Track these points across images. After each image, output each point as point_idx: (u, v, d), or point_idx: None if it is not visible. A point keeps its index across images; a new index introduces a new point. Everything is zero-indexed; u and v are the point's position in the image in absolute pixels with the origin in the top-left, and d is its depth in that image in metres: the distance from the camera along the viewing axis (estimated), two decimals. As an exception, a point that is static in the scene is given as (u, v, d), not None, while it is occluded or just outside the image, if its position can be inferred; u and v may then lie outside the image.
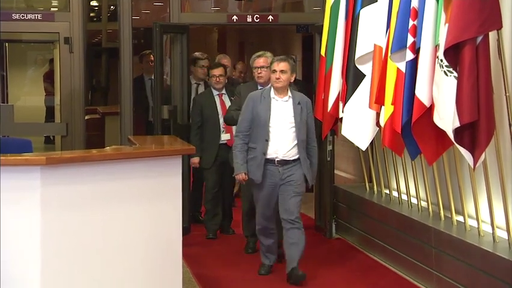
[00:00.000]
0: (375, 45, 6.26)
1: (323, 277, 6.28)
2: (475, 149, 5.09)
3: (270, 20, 8.41)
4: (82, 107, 8.25)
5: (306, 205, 7.67)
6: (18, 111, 8.21)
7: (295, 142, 5.98)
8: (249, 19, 8.40)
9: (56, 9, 9.11)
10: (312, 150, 6.13)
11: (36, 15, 8.19)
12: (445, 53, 5.07)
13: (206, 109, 7.55)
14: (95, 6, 13.18)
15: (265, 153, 5.97)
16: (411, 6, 5.58)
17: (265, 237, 6.23)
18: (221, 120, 7.49)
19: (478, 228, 5.57)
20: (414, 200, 6.71)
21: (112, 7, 12.60)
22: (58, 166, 4.40)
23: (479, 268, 5.25)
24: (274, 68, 6.03)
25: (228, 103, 7.54)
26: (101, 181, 4.60)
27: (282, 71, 5.99)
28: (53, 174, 4.36)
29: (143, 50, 9.36)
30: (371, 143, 7.01)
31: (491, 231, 5.43)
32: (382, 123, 6.00)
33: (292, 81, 6.13)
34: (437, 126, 5.31)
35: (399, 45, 5.67)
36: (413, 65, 5.54)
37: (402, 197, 6.96)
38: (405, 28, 5.62)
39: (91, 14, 13.26)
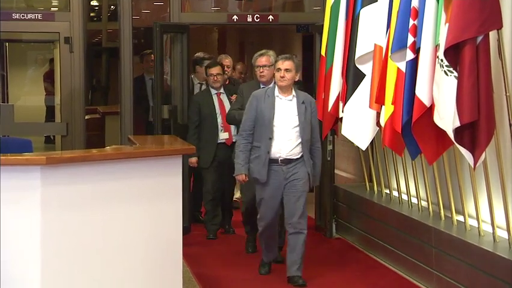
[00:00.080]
0: (375, 45, 6.26)
1: (322, 277, 6.28)
2: (475, 149, 5.09)
3: (270, 20, 8.41)
4: (82, 106, 8.25)
5: (307, 205, 7.64)
6: (18, 111, 8.21)
7: (299, 141, 5.93)
8: (249, 19, 8.39)
9: (56, 9, 9.11)
10: (315, 151, 6.07)
11: (36, 15, 8.19)
12: (445, 53, 5.07)
13: (204, 108, 7.52)
14: (96, 6, 13.18)
15: (269, 152, 5.90)
16: (412, 6, 5.58)
17: (267, 238, 6.17)
18: (219, 119, 7.48)
19: (478, 228, 5.57)
20: (414, 200, 6.71)
21: (112, 7, 12.59)
22: (58, 166, 4.40)
23: (480, 268, 5.25)
24: (278, 67, 5.97)
25: (226, 102, 7.53)
26: (101, 181, 4.60)
27: (286, 70, 5.93)
28: (53, 174, 4.36)
29: (144, 50, 9.36)
30: (371, 143, 7.02)
31: (491, 231, 5.43)
32: (382, 123, 6.00)
33: (296, 80, 6.08)
34: (437, 126, 5.31)
35: (399, 45, 5.67)
36: (413, 65, 5.54)
37: (403, 197, 6.96)
38: (405, 28, 5.62)
39: (91, 14, 13.25)
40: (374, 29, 6.29)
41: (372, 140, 6.81)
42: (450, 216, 5.98)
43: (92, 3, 12.65)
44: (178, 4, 8.07)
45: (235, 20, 8.41)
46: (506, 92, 5.15)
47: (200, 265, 6.62)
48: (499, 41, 5.15)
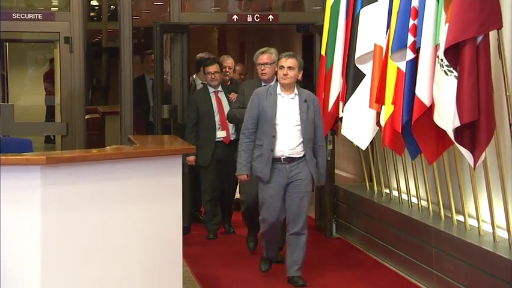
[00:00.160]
0: (375, 44, 6.27)
1: (323, 277, 6.28)
2: (475, 149, 5.09)
3: (270, 20, 8.41)
4: (82, 106, 8.25)
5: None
6: (18, 110, 8.21)
7: (301, 140, 5.86)
8: (249, 19, 8.39)
9: (57, 8, 9.11)
10: (319, 149, 5.98)
11: (36, 14, 8.19)
12: (445, 53, 5.07)
13: (202, 106, 7.49)
14: (96, 5, 13.18)
15: (272, 150, 5.83)
16: (412, 6, 5.58)
17: (268, 239, 6.11)
18: (217, 118, 7.46)
19: (478, 227, 5.57)
20: (414, 200, 6.71)
21: (112, 6, 12.60)
22: (58, 166, 4.40)
23: (480, 268, 5.24)
24: (281, 64, 5.90)
25: (224, 100, 7.51)
26: (101, 181, 4.60)
27: (289, 68, 5.86)
28: (53, 173, 4.36)
29: (144, 50, 9.36)
30: (371, 143, 7.02)
31: (491, 231, 5.43)
32: (382, 122, 6.00)
33: (299, 78, 6.01)
34: (437, 125, 5.31)
35: (399, 44, 5.67)
36: (413, 65, 5.54)
37: (403, 197, 6.96)
38: (405, 28, 5.63)
39: (91, 14, 13.25)
40: (374, 28, 6.29)
41: (372, 140, 6.81)
42: (450, 216, 5.98)
43: (92, 3, 12.65)
44: (178, 4, 8.07)
45: (235, 20, 8.41)
46: (506, 92, 5.14)
47: (200, 265, 6.62)
48: (499, 41, 5.15)
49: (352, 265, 6.70)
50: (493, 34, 5.10)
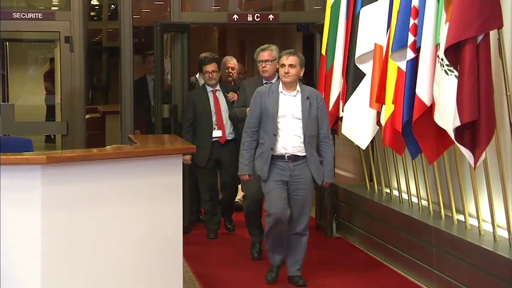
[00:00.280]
0: (375, 44, 6.27)
1: (323, 276, 6.28)
2: (475, 148, 5.09)
3: (271, 19, 8.41)
4: (83, 106, 8.25)
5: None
6: (18, 110, 8.21)
7: (302, 138, 5.80)
8: (250, 18, 8.39)
9: (57, 8, 9.11)
10: (325, 145, 5.88)
11: (36, 14, 8.18)
12: (446, 52, 5.07)
13: (199, 105, 7.46)
14: (96, 5, 13.18)
15: (273, 149, 5.78)
16: (412, 5, 5.58)
17: (274, 237, 5.95)
18: (214, 117, 7.44)
19: (479, 227, 5.57)
20: (414, 199, 6.71)
21: (112, 6, 12.60)
22: (59, 165, 4.40)
23: (480, 267, 5.25)
24: (283, 62, 5.83)
25: (222, 99, 7.48)
26: (101, 180, 4.60)
27: (290, 65, 5.79)
28: (53, 173, 4.36)
29: (144, 49, 9.35)
30: (372, 142, 7.02)
31: (491, 230, 5.43)
32: (383, 122, 6.00)
33: (301, 75, 5.93)
34: (437, 125, 5.31)
35: (399, 44, 5.67)
36: (413, 64, 5.55)
37: (403, 196, 6.96)
38: (405, 27, 5.63)
39: (92, 13, 13.25)
40: (374, 28, 6.30)
41: (373, 140, 6.81)
42: (450, 215, 5.98)
43: (92, 2, 12.65)
44: (179, 3, 8.07)
45: (235, 20, 8.41)
46: (506, 91, 5.14)
47: (200, 264, 6.62)
48: (500, 40, 5.15)
49: (352, 265, 6.70)
50: (493, 33, 5.10)
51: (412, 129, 5.54)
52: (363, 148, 6.87)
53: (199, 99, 7.49)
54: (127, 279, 4.74)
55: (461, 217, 5.87)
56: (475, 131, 5.06)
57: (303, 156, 5.82)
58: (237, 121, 6.94)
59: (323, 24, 7.27)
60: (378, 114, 6.27)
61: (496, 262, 5.09)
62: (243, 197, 6.88)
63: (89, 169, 4.54)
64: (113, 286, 4.68)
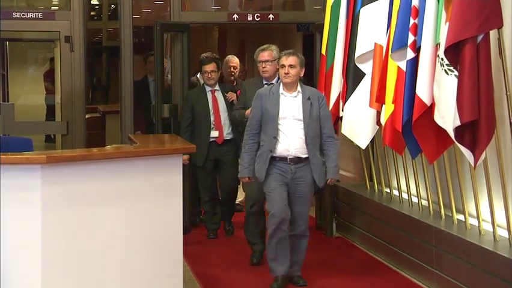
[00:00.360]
0: (375, 44, 6.27)
1: (323, 276, 6.27)
2: (475, 148, 5.09)
3: (271, 19, 8.41)
4: (83, 105, 8.24)
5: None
6: (18, 109, 8.20)
7: (304, 139, 5.74)
8: (250, 18, 8.38)
9: (57, 7, 9.11)
10: (329, 144, 5.80)
11: (36, 13, 8.18)
12: (446, 52, 5.07)
13: (197, 105, 7.44)
14: (96, 4, 13.20)
15: (272, 151, 5.73)
16: (412, 5, 5.58)
17: (278, 242, 5.82)
18: (212, 118, 7.42)
19: (479, 226, 5.57)
20: (414, 199, 6.71)
21: (112, 6, 12.61)
22: (59, 165, 4.40)
23: (480, 267, 5.25)
24: (282, 63, 5.77)
25: (220, 99, 7.47)
26: (101, 180, 4.60)
27: (290, 66, 5.73)
28: (53, 173, 4.36)
29: (144, 49, 9.35)
30: (372, 142, 7.02)
31: (491, 230, 5.43)
32: (383, 121, 6.00)
33: (302, 75, 5.88)
34: (437, 125, 5.31)
35: (399, 43, 5.67)
36: (413, 64, 5.55)
37: (403, 196, 6.96)
38: (405, 27, 5.63)
39: (92, 13, 13.27)
40: (374, 27, 6.30)
41: (373, 139, 6.81)
42: (450, 215, 5.98)
43: (92, 2, 12.66)
44: (179, 3, 8.07)
45: (235, 19, 8.40)
46: (506, 91, 5.14)
47: (200, 264, 6.62)
48: (500, 40, 5.15)
49: (352, 264, 6.70)
50: (493, 33, 5.10)
51: (412, 129, 5.54)
52: (363, 148, 6.87)
53: (198, 99, 7.48)
54: (127, 279, 4.74)
55: (461, 217, 5.87)
56: (475, 130, 5.06)
57: (305, 158, 5.77)
58: (237, 124, 6.93)
59: (323, 24, 7.27)
60: (378, 114, 6.27)
61: (496, 262, 5.09)
62: (245, 198, 6.86)
63: (89, 169, 4.54)
64: (113, 286, 4.68)
